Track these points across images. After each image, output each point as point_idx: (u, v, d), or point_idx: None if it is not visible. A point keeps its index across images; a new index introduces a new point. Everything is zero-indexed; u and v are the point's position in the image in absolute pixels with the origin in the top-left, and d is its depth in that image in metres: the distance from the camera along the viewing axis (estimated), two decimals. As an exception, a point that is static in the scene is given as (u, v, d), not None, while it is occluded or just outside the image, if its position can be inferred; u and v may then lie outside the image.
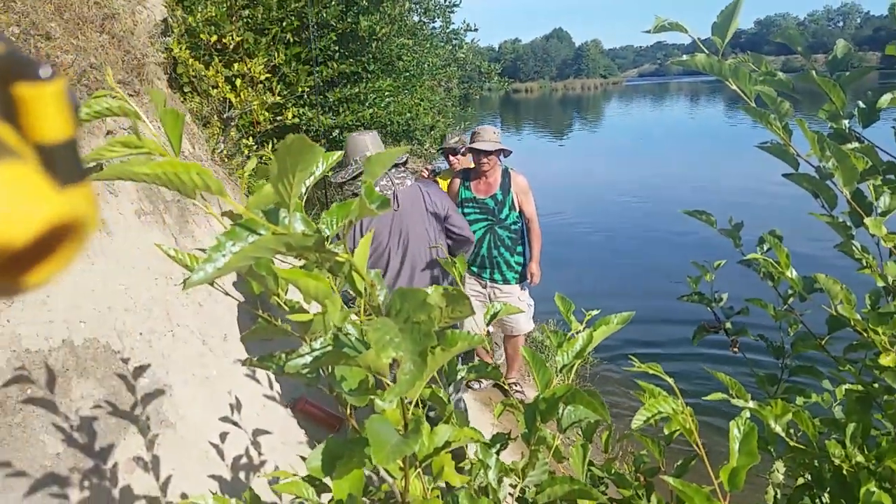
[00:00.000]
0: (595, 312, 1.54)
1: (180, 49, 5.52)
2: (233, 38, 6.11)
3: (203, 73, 5.71)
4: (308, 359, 0.99)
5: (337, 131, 8.22)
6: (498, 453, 1.45)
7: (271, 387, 4.16)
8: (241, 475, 3.50)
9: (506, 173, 5.16)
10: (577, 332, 1.45)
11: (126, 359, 3.26)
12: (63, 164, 0.42)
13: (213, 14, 6.38)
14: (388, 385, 1.09)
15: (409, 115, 8.44)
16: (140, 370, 3.29)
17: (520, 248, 5.20)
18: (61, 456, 2.70)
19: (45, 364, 2.79)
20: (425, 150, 9.87)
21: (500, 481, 1.35)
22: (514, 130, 41.99)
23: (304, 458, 3.28)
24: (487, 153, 4.96)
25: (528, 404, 1.37)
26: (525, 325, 5.34)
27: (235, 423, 3.71)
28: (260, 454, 3.70)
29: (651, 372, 1.26)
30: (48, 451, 2.65)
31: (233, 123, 6.39)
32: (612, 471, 1.77)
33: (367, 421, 1.13)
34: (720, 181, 16.99)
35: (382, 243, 3.97)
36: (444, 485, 1.48)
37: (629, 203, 14.71)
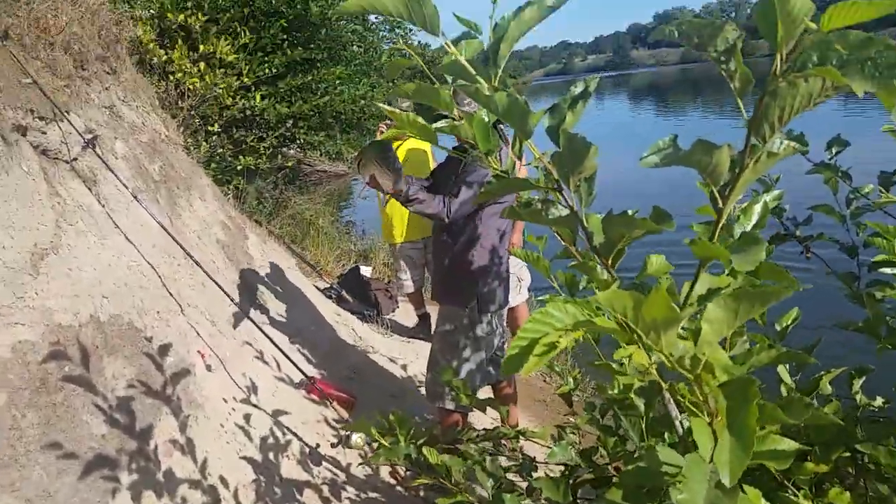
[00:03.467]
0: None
1: (145, 33, 5.21)
2: (198, 19, 5.82)
3: (168, 58, 5.40)
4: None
5: (291, 121, 7.96)
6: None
7: (279, 368, 3.95)
8: (271, 455, 3.30)
9: None
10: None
11: (149, 337, 3.01)
12: None
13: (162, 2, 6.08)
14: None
15: (363, 102, 8.23)
16: (164, 349, 3.05)
17: None
18: (107, 437, 2.45)
19: (77, 340, 2.53)
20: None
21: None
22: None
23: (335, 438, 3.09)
24: None
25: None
26: (525, 294, 5.24)
27: (256, 405, 3.50)
28: (284, 434, 3.50)
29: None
30: (94, 431, 2.41)
31: (193, 111, 6.09)
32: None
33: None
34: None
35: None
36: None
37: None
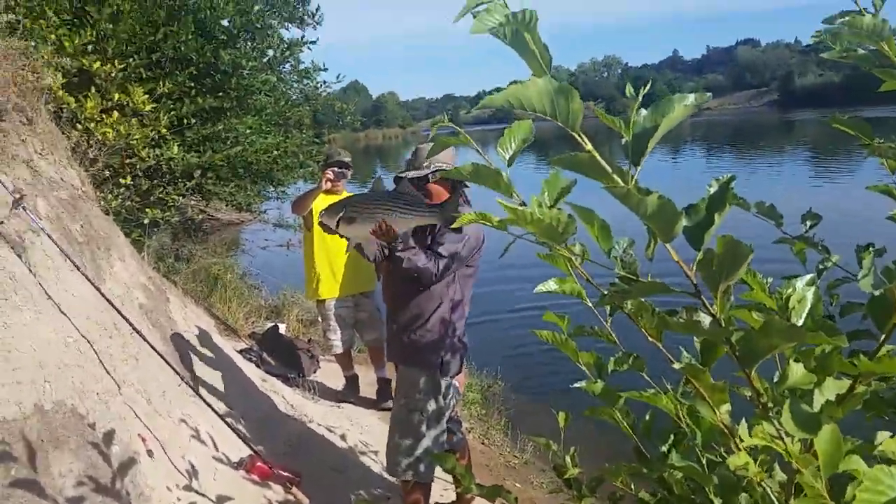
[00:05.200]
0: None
1: (55, 80, 4.83)
2: (114, 66, 5.45)
3: (80, 106, 5.02)
4: None
5: (199, 172, 7.60)
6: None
7: (216, 447, 3.65)
8: (223, 551, 3.01)
9: None
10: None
11: (91, 423, 2.70)
12: None
13: (67, 45, 5.70)
14: None
15: (275, 153, 7.96)
16: (108, 437, 2.73)
17: None
18: (61, 551, 2.14)
19: (22, 435, 2.22)
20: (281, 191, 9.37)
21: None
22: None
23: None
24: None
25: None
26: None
27: (198, 492, 3.20)
28: (232, 524, 3.20)
29: None
30: (48, 544, 2.09)
31: (100, 162, 5.69)
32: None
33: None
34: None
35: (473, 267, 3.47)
36: None
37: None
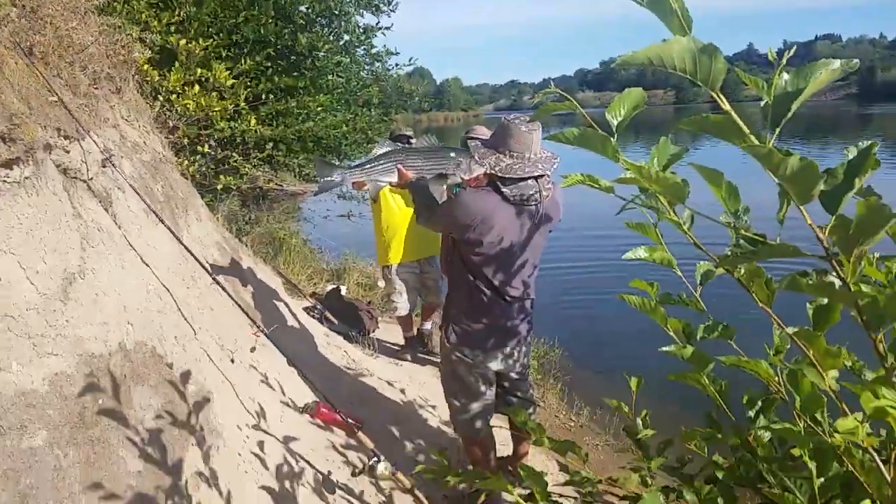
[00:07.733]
0: None
1: (141, 55, 4.94)
2: (198, 44, 5.54)
3: (164, 79, 5.14)
4: None
5: (271, 144, 7.69)
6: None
7: (283, 393, 3.72)
8: (287, 484, 3.08)
9: None
10: None
11: (169, 364, 2.77)
12: None
13: (153, 25, 5.82)
14: None
15: (344, 128, 8.02)
16: (185, 376, 2.81)
17: None
18: (143, 474, 2.21)
19: (108, 370, 2.29)
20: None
21: None
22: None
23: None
24: None
25: None
26: None
27: (266, 432, 3.27)
28: (297, 462, 3.27)
29: None
30: (130, 468, 2.17)
31: (179, 130, 5.81)
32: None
33: None
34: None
35: (507, 240, 3.05)
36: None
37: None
